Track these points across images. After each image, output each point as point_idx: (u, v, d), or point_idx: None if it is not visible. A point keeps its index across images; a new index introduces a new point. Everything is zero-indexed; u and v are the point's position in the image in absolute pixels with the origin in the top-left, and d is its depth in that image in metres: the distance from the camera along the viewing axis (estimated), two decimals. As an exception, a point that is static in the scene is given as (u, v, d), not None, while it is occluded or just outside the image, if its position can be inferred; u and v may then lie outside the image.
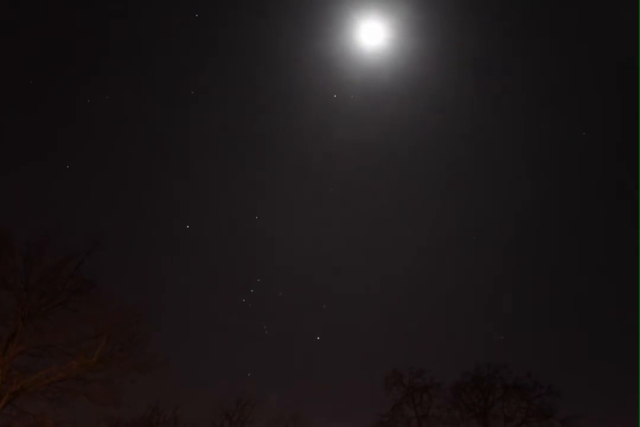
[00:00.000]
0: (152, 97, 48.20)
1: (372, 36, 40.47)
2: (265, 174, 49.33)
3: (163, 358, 26.41)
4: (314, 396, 41.03)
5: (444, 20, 42.00)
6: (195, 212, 49.81)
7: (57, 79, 46.35)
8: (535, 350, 44.60)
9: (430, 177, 50.26)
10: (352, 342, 44.98)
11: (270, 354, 43.62)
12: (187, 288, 46.57)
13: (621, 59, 41.27)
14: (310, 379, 42.76)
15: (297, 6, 42.28)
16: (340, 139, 45.39)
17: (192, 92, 45.55)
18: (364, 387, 40.78)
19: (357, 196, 50.52)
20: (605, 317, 47.33)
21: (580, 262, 50.18)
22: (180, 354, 38.45)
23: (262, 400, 37.39)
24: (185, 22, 43.39)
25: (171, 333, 40.51)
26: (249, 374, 40.21)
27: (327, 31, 41.36)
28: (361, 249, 50.79)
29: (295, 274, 47.39)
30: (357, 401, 40.10)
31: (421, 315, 48.06)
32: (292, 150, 48.32)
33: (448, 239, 51.30)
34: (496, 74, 46.06)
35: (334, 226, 49.68)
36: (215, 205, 49.41)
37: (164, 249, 48.21)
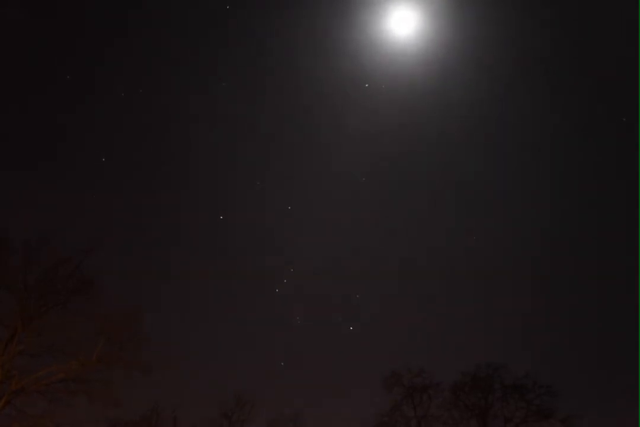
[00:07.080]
0: (172, 90, 48.25)
1: (402, 25, 40.40)
2: (295, 164, 49.37)
3: (165, 357, 26.45)
4: (314, 395, 41.14)
5: (476, 12, 41.57)
6: (225, 203, 49.87)
7: (70, 71, 46.26)
8: (536, 350, 44.66)
9: (452, 172, 50.32)
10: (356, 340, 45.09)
11: (301, 345, 43.76)
12: (219, 279, 46.77)
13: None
14: (312, 377, 42.92)
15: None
16: (368, 128, 45.29)
17: (224, 84, 45.80)
18: (364, 387, 40.80)
19: (389, 188, 50.42)
20: (605, 317, 47.38)
21: (581, 262, 50.21)
22: (191, 351, 38.59)
23: (262, 399, 37.57)
24: (216, 12, 43.37)
25: (198, 328, 40.83)
26: (282, 363, 41.17)
27: (358, 20, 41.21)
28: (366, 248, 50.87)
29: (327, 262, 47.16)
30: (357, 400, 40.16)
31: (421, 315, 48.10)
32: (321, 140, 48.27)
33: (450, 238, 51.33)
34: (531, 70, 45.49)
35: (365, 217, 49.72)
36: (246, 196, 49.33)
37: (191, 241, 48.21)
